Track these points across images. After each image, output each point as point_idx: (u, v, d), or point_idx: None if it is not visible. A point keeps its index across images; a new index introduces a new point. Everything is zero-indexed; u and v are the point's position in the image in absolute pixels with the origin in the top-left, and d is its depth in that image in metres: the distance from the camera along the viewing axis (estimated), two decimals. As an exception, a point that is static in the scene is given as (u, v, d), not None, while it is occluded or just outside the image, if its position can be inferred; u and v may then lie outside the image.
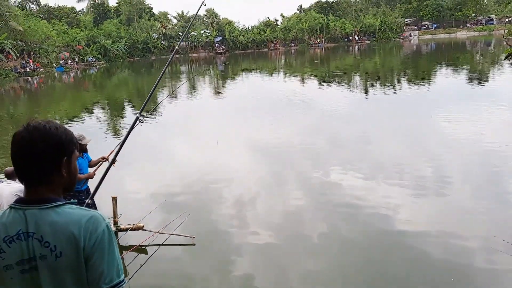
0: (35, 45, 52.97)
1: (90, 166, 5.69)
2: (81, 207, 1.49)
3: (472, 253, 5.23)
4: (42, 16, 67.91)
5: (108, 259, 1.42)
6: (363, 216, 6.38)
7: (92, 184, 5.92)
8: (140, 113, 4.05)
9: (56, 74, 49.87)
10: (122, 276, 1.47)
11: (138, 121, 4.08)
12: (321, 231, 6.02)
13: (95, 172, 5.58)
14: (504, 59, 4.14)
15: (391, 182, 7.62)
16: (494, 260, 5.00)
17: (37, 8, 75.09)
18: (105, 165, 5.27)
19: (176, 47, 4.67)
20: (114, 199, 5.60)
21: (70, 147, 1.49)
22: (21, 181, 1.46)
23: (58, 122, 1.50)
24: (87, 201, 4.61)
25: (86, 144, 5.45)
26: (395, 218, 6.22)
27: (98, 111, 20.31)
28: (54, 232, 1.38)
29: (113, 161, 4.42)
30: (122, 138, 4.12)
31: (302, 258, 5.37)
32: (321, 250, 5.53)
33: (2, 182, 5.41)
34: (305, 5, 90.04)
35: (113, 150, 5.21)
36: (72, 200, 1.53)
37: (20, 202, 1.44)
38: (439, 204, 6.69)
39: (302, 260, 5.31)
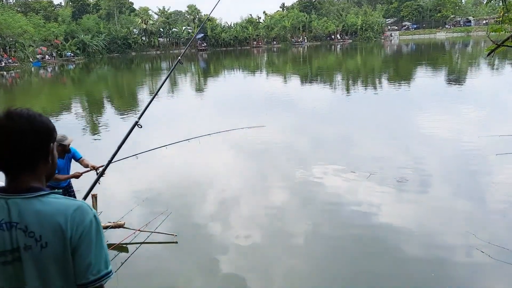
0: (11, 39, 51.62)
1: (81, 164, 5.42)
2: (67, 197, 1.43)
3: (451, 250, 5.30)
4: (18, 9, 66.13)
5: (95, 250, 1.38)
6: (345, 214, 6.41)
7: (79, 185, 5.77)
8: (139, 118, 3.92)
9: (32, 69, 48.71)
10: (110, 267, 1.43)
11: (137, 126, 3.92)
12: (304, 229, 6.02)
13: (81, 173, 5.28)
14: (487, 56, 4.24)
15: (373, 180, 7.68)
16: (472, 256, 5.10)
17: (14, 1, 73.12)
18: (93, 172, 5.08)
19: (179, 58, 4.53)
20: (94, 197, 5.46)
21: (54, 134, 1.47)
22: (3, 170, 1.39)
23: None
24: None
25: (69, 145, 5.21)
26: (376, 216, 6.27)
27: (76, 108, 19.89)
28: (39, 222, 1.33)
29: (102, 172, 4.15)
30: (117, 139, 3.95)
31: (285, 256, 5.35)
32: (304, 248, 5.53)
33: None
34: (288, 3, 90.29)
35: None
36: (56, 190, 1.46)
37: (2, 191, 1.37)
38: (419, 201, 6.78)
39: (285, 258, 5.30)
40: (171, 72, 5.03)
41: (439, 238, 5.58)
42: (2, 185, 1.41)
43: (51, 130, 1.45)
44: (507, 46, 3.20)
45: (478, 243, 5.25)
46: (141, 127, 3.96)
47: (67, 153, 5.22)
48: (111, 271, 1.43)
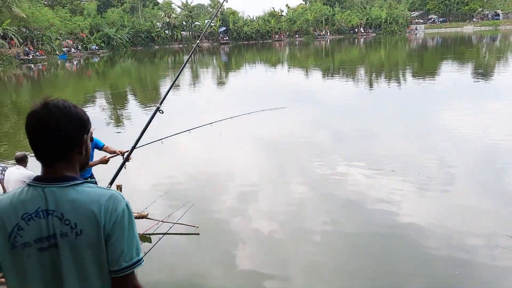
0: (38, 32, 52.77)
1: (106, 151, 5.58)
2: (100, 186, 1.49)
3: (475, 248, 5.21)
4: (45, 2, 67.50)
5: (128, 238, 1.43)
6: (366, 210, 6.36)
7: (102, 175, 5.92)
8: (160, 104, 4.00)
9: (59, 62, 49.77)
10: (141, 255, 1.48)
11: (158, 111, 4.00)
12: (324, 224, 6.01)
13: (109, 158, 5.42)
14: None
15: (395, 177, 7.58)
16: (497, 255, 4.99)
17: (41, -6, 74.67)
18: (119, 158, 5.16)
19: (198, 41, 4.59)
20: (119, 187, 5.59)
21: (89, 126, 1.53)
22: (40, 159, 1.44)
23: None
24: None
25: (91, 133, 5.34)
26: (398, 213, 6.20)
27: (100, 100, 20.27)
28: (74, 210, 1.38)
29: (127, 157, 4.30)
30: (140, 130, 4.03)
31: (304, 250, 5.37)
32: (324, 243, 5.52)
33: (6, 168, 5.41)
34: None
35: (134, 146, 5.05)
36: (90, 180, 1.52)
37: (38, 180, 1.43)
38: (443, 199, 6.66)
39: (305, 253, 5.31)
40: (190, 55, 5.09)
41: (463, 237, 5.47)
42: (38, 174, 1.47)
43: (86, 121, 1.50)
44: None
45: (504, 242, 5.14)
46: (163, 112, 4.04)
47: (90, 141, 5.34)
48: (142, 259, 1.48)
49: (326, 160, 8.74)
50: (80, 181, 1.44)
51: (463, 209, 6.31)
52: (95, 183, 5.72)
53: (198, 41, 4.68)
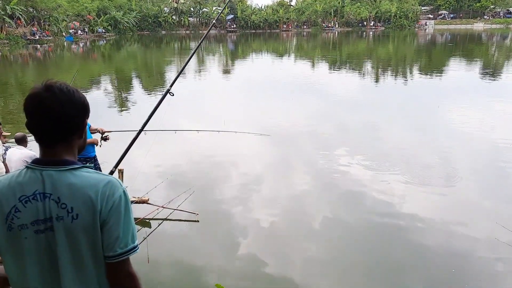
0: (45, 13, 52.56)
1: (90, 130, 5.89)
2: (98, 171, 1.48)
3: (475, 244, 5.23)
4: (53, -17, 67.12)
5: (123, 224, 1.43)
6: (367, 204, 6.37)
7: (105, 157, 5.94)
8: (171, 86, 3.96)
9: (65, 43, 49.69)
10: (136, 242, 1.48)
11: (168, 94, 3.97)
12: (324, 216, 6.02)
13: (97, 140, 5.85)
14: None
15: (397, 171, 7.58)
16: (497, 252, 5.01)
17: (49, -25, 74.15)
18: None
19: (213, 21, 4.54)
20: (121, 171, 5.60)
21: (89, 110, 1.52)
22: (40, 141, 1.44)
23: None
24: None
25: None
26: (399, 207, 6.21)
27: (105, 83, 20.25)
28: (71, 194, 1.37)
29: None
30: (150, 111, 3.98)
31: (304, 241, 5.39)
32: (324, 235, 5.55)
33: (9, 148, 5.42)
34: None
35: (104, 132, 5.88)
36: (88, 164, 1.51)
37: (37, 163, 1.42)
38: (444, 195, 6.66)
39: (304, 244, 5.33)
40: (206, 34, 5.03)
41: (463, 233, 5.50)
42: (37, 157, 1.46)
43: (87, 106, 1.50)
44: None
45: (505, 238, 5.15)
46: (173, 95, 3.99)
47: None
48: (137, 246, 1.48)
49: (330, 152, 8.72)
50: (79, 166, 1.43)
51: (463, 205, 6.31)
52: (99, 168, 5.81)
53: (209, 28, 4.61)
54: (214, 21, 4.61)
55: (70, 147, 1.46)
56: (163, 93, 3.99)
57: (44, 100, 1.37)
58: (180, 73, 4.11)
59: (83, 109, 1.47)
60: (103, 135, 5.97)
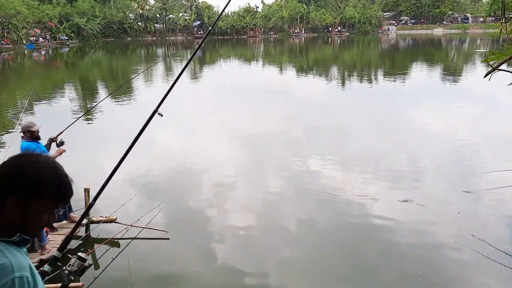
0: (4, 20, 50.55)
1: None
2: None
3: (440, 245, 5.40)
4: (12, -11, 64.65)
5: None
6: (339, 206, 6.52)
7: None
8: (157, 107, 3.58)
9: (26, 52, 47.93)
10: None
11: (156, 114, 3.59)
12: (298, 220, 6.12)
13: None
14: (484, 77, 4.61)
15: (367, 174, 7.77)
16: (461, 253, 5.17)
17: (7, -20, 71.41)
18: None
19: (210, 28, 4.23)
20: (87, 191, 5.38)
21: (14, 184, 1.26)
22: None
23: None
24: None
25: (38, 131, 5.17)
26: (370, 209, 6.38)
27: (69, 92, 19.61)
28: None
29: (125, 155, 3.97)
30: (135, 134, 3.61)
31: (279, 247, 5.42)
32: (298, 239, 5.62)
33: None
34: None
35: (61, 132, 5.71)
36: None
37: None
38: (412, 196, 6.82)
39: (280, 249, 5.37)
40: (201, 43, 4.88)
41: (430, 234, 5.69)
42: None
43: (9, 180, 1.26)
44: (503, 70, 3.26)
45: (468, 241, 5.31)
46: (162, 115, 3.62)
47: (36, 139, 5.19)
48: None
49: (301, 156, 8.80)
50: None
51: (430, 206, 6.49)
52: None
53: (203, 39, 4.36)
54: (210, 28, 4.36)
55: None
56: (150, 114, 3.63)
57: None
58: (167, 94, 3.77)
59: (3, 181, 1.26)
60: (58, 142, 5.65)
